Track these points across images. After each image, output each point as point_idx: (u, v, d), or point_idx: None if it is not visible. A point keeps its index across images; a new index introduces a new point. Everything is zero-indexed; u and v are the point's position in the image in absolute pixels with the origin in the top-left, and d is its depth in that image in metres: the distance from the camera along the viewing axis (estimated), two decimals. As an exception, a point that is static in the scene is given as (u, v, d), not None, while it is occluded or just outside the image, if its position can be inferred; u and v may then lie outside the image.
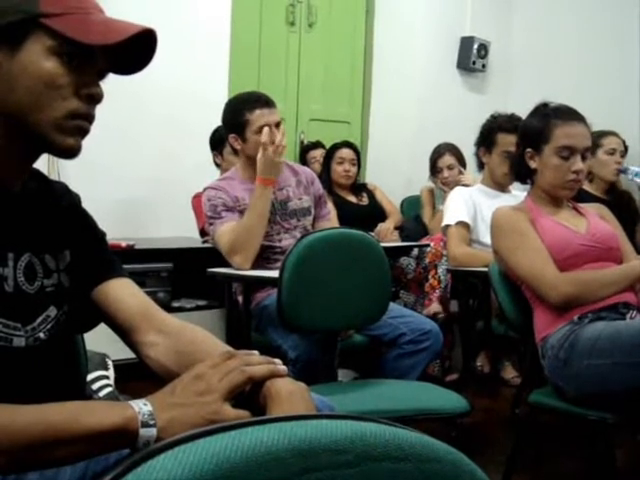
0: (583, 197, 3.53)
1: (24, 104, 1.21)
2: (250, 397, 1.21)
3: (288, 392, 1.19)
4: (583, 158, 2.76)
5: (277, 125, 3.44)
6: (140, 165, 4.86)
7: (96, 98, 1.26)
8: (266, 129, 3.33)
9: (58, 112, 1.22)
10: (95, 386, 2.99)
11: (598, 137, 4.39)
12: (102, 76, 1.29)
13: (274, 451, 0.65)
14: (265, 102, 3.45)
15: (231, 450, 0.65)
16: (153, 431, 1.10)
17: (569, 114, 2.79)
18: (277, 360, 1.25)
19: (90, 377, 2.98)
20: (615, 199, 4.57)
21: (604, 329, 2.49)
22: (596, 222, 2.85)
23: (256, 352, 1.27)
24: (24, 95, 1.20)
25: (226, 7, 5.32)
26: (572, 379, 2.50)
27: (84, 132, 1.26)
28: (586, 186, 4.39)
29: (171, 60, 4.39)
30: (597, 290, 2.61)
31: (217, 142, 4.48)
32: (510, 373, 4.47)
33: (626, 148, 4.92)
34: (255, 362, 1.21)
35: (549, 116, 2.79)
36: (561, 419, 3.28)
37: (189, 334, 1.42)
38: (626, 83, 6.24)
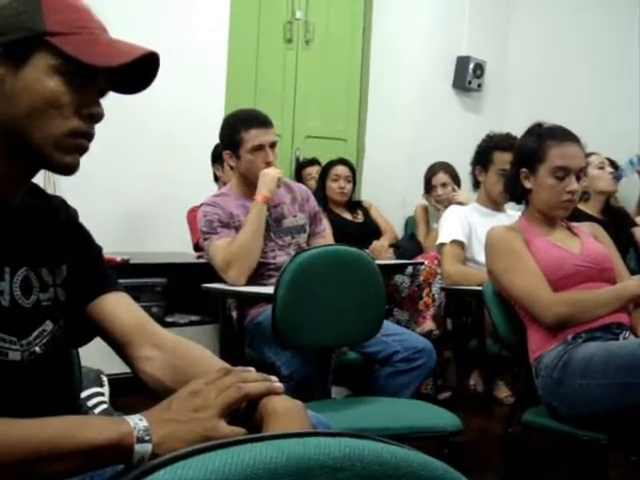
0: (578, 217, 3.54)
1: (25, 121, 1.21)
2: (246, 414, 1.21)
3: (284, 409, 1.18)
4: (577, 178, 2.77)
5: (272, 145, 3.45)
6: (137, 180, 4.87)
7: (97, 117, 1.27)
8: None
9: (58, 130, 1.22)
10: (90, 403, 2.98)
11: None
12: (103, 94, 1.30)
13: (272, 468, 0.65)
14: (262, 122, 3.46)
15: (230, 467, 0.65)
16: (148, 447, 1.10)
17: (563, 135, 2.80)
18: (273, 377, 1.25)
19: (85, 394, 2.97)
20: (611, 217, 4.59)
21: (598, 349, 2.49)
22: (590, 242, 2.86)
23: (252, 369, 1.28)
24: (25, 112, 1.21)
25: (223, 24, 5.34)
26: (565, 399, 2.50)
27: (83, 150, 1.27)
28: (581, 206, 4.41)
29: (169, 77, 4.35)
30: (590, 310, 2.62)
31: (218, 155, 4.49)
32: (503, 392, 4.47)
33: (616, 167, 4.96)
34: (251, 379, 1.21)
35: (543, 136, 2.80)
36: (554, 439, 3.28)
37: (185, 349, 1.42)
38: (624, 105, 6.27)
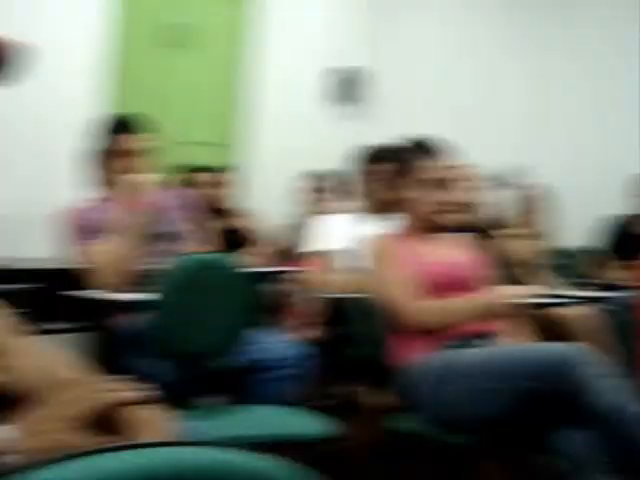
0: (451, 227, 3.62)
1: None
2: (107, 424, 1.19)
3: (146, 419, 1.18)
4: (448, 189, 2.85)
5: (144, 151, 3.43)
6: (8, 183, 4.74)
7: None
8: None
9: None
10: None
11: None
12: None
13: (122, 478, 0.65)
14: (133, 127, 3.44)
15: (83, 477, 0.64)
16: (6, 458, 1.08)
17: (435, 147, 2.88)
18: (138, 386, 1.24)
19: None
20: (482, 228, 4.72)
21: (464, 356, 2.57)
22: (461, 252, 2.94)
23: (121, 378, 1.26)
24: None
25: (97, 26, 5.24)
26: (432, 404, 2.57)
27: None
28: (454, 216, 4.51)
29: (39, 79, 4.28)
30: (455, 318, 2.69)
31: (92, 159, 4.39)
32: (374, 399, 4.52)
33: (491, 179, 5.12)
34: (112, 388, 1.20)
35: (410, 149, 2.88)
36: (424, 444, 3.34)
37: (42, 358, 1.39)
38: (506, 111, 6.48)
